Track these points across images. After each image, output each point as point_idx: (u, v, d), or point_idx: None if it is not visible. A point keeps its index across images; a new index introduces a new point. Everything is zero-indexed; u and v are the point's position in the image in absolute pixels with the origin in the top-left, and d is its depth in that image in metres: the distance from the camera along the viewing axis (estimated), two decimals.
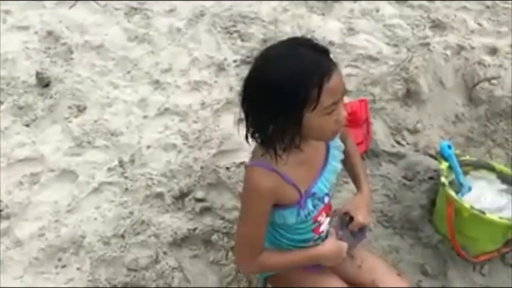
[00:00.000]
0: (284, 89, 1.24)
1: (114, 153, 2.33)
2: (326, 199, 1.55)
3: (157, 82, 2.70)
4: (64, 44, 2.83)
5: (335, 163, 1.52)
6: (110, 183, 2.21)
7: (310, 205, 1.47)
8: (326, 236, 1.57)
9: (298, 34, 2.97)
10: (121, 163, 2.29)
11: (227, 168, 2.26)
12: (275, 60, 1.28)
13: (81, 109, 2.50)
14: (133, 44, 2.90)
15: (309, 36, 1.59)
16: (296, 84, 1.23)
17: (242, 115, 2.48)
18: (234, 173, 2.24)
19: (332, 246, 1.51)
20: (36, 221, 2.06)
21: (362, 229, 1.57)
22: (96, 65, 2.74)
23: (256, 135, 1.36)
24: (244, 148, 2.35)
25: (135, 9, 3.10)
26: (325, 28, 3.05)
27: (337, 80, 1.27)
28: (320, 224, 1.55)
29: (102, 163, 2.29)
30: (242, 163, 2.27)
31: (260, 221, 1.44)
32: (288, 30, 3.00)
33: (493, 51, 2.90)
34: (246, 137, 1.39)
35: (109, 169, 2.26)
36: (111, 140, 2.39)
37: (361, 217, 1.54)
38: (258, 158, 1.42)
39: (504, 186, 2.04)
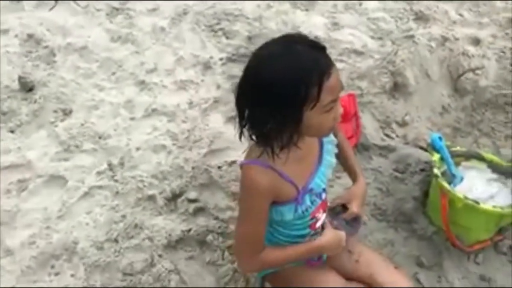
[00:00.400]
0: (283, 88, 1.22)
1: (103, 156, 2.29)
2: (323, 195, 1.55)
3: (143, 82, 2.67)
4: (46, 47, 2.77)
5: (330, 158, 1.52)
6: (100, 187, 2.17)
7: (308, 201, 1.47)
8: (322, 230, 1.57)
9: (284, 30, 2.96)
10: (111, 166, 2.25)
11: (219, 167, 2.24)
12: (273, 58, 1.26)
13: (66, 113, 2.46)
14: (117, 45, 2.86)
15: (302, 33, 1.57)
16: (296, 82, 1.22)
17: (231, 114, 2.46)
18: (226, 172, 2.22)
19: (330, 236, 1.51)
20: (26, 228, 2.01)
21: (357, 219, 1.58)
22: (80, 68, 2.69)
23: (253, 133, 1.35)
24: (235, 146, 2.34)
25: (117, 9, 3.06)
26: (309, 24, 3.05)
27: (336, 78, 1.27)
28: (317, 220, 1.55)
29: (91, 167, 2.25)
30: (233, 161, 2.25)
31: (259, 219, 1.43)
32: (273, 27, 2.99)
33: (476, 41, 2.94)
34: (240, 136, 1.38)
35: (99, 173, 2.22)
36: (99, 143, 2.35)
37: (355, 207, 1.56)
38: (254, 157, 1.40)
39: (494, 175, 2.06)
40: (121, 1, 3.09)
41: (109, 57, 2.77)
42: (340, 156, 1.63)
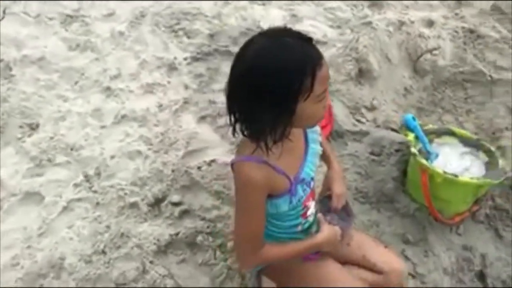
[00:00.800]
0: (278, 80, 1.23)
1: (78, 168, 2.23)
2: (312, 184, 1.57)
3: (108, 89, 2.60)
4: (0, 60, 2.66)
5: (315, 146, 1.55)
6: (79, 200, 2.12)
7: (300, 191, 1.49)
8: (313, 220, 1.59)
9: (244, 26, 2.97)
10: (87, 178, 2.20)
11: (199, 168, 2.23)
12: (265, 52, 1.25)
13: (33, 127, 2.37)
14: (76, 53, 2.78)
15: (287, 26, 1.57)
16: (290, 74, 1.23)
17: (202, 113, 2.42)
18: (206, 172, 2.21)
19: (328, 232, 1.53)
20: (7, 250, 1.93)
21: (347, 211, 1.62)
22: (40, 79, 2.60)
23: (247, 129, 1.35)
24: (212, 145, 2.33)
25: (71, 16, 2.97)
26: (268, 18, 3.07)
27: (326, 68, 1.29)
28: (307, 209, 1.57)
29: (67, 180, 2.18)
30: (212, 161, 2.24)
31: (258, 215, 1.43)
32: (233, 23, 2.99)
33: (430, 23, 3.04)
34: (233, 132, 1.37)
35: (76, 185, 2.16)
36: (72, 155, 2.28)
37: (337, 189, 1.60)
38: (247, 153, 1.40)
39: (466, 149, 2.15)
40: (74, 8, 3.00)
41: (70, 66, 2.69)
42: None
